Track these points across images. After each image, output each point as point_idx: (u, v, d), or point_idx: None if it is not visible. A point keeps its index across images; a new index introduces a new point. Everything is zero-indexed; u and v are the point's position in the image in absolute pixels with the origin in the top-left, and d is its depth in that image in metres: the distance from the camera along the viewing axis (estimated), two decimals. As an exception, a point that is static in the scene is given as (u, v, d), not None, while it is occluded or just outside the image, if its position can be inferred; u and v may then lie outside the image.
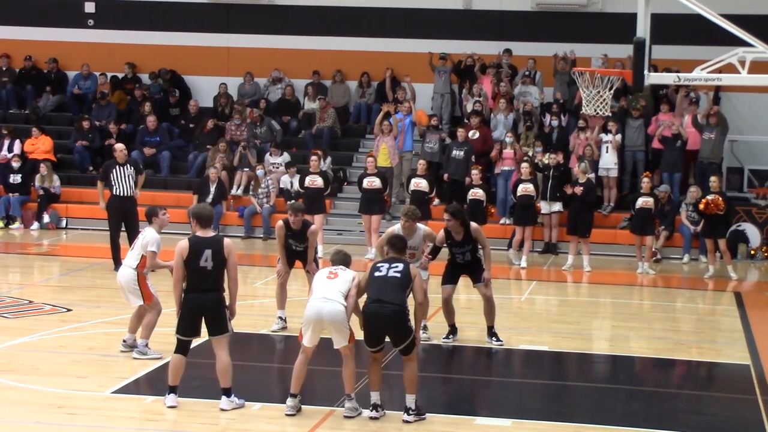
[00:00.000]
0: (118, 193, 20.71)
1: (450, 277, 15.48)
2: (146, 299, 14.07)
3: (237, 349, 13.26)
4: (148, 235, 14.15)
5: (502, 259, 23.37)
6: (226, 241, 12.07)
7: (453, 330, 15.58)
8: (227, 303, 12.07)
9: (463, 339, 15.64)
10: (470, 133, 26.16)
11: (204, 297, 11.90)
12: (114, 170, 20.73)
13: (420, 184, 23.29)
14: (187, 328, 12.03)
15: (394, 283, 11.77)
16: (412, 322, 11.86)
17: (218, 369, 12.04)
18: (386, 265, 11.98)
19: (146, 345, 14.06)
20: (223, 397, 12.02)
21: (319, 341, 11.91)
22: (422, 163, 24.00)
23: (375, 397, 11.81)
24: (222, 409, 11.94)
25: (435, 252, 15.20)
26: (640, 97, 26.10)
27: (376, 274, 11.91)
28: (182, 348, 12.08)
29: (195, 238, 12.01)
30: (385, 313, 11.62)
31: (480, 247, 15.29)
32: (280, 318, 15.93)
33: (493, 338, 15.48)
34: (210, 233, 12.07)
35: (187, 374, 12.20)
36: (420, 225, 15.01)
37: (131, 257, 14.21)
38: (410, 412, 11.69)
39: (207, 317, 11.97)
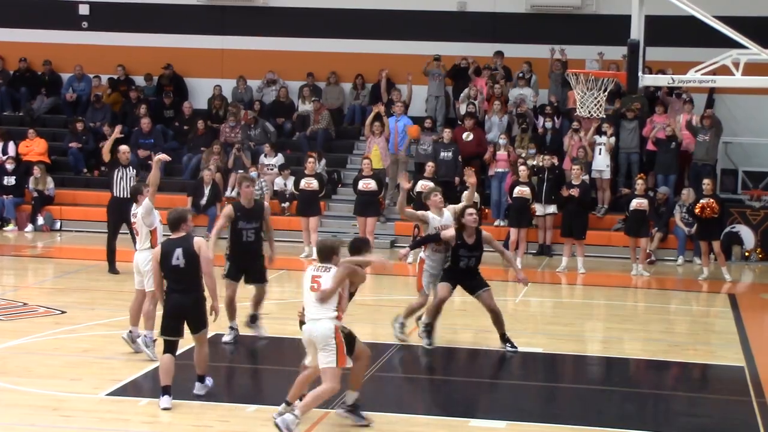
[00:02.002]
0: (118, 195, 20.58)
1: (450, 278, 15.00)
2: None
3: (230, 351, 13.29)
4: (139, 210, 14.33)
5: (496, 261, 23.34)
6: (196, 238, 12.31)
7: (430, 329, 15.11)
8: (208, 303, 12.30)
9: (457, 341, 15.64)
10: (464, 135, 26.17)
11: (183, 298, 12.14)
12: (116, 172, 20.60)
13: (427, 186, 23.29)
14: (169, 328, 12.22)
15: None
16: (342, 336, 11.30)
17: (196, 358, 12.37)
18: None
19: (153, 339, 13.98)
20: (197, 383, 12.36)
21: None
22: (431, 165, 24.05)
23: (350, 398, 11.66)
24: (196, 394, 12.25)
25: (428, 240, 14.88)
26: (635, 99, 26.11)
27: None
28: (169, 348, 12.21)
29: (166, 241, 12.45)
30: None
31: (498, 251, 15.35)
32: (231, 328, 15.27)
33: (507, 344, 15.20)
34: (181, 234, 12.29)
35: (181, 377, 12.20)
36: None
37: (140, 241, 14.35)
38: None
39: (188, 319, 12.21)
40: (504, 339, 15.25)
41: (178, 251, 12.09)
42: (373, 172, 24.13)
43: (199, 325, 12.24)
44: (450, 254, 14.95)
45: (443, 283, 15.05)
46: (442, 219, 14.89)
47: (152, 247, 14.10)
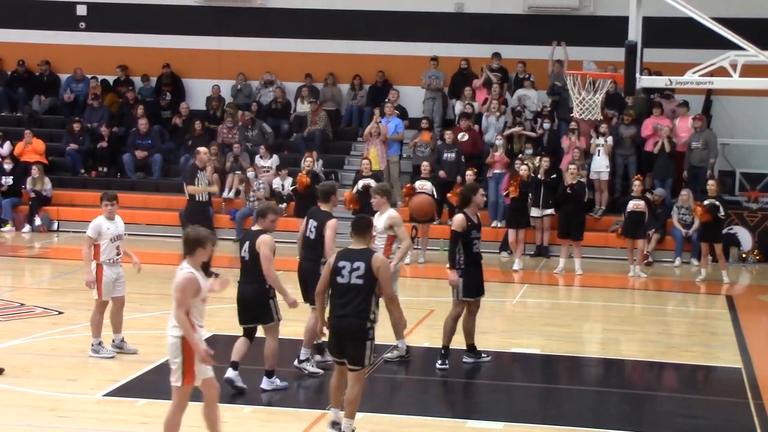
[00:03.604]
0: (199, 199, 20.24)
1: (471, 285, 14.07)
2: (99, 293, 14.25)
3: (229, 351, 13.26)
4: (92, 221, 14.47)
5: (494, 262, 23.38)
6: (262, 236, 12.54)
7: (447, 352, 14.38)
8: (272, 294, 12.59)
9: (454, 342, 15.51)
10: (459, 135, 26.13)
11: (244, 288, 12.65)
12: (198, 176, 20.16)
13: (425, 186, 23.29)
14: (239, 316, 12.80)
15: (356, 291, 10.67)
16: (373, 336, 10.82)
17: (265, 352, 12.70)
18: (348, 266, 10.72)
19: (100, 343, 14.19)
20: (264, 378, 12.66)
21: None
22: (426, 165, 24.00)
23: (335, 414, 11.13)
24: (262, 389, 12.55)
25: (454, 244, 13.85)
26: (629, 109, 26.10)
27: (339, 279, 10.72)
28: (246, 333, 12.85)
29: (245, 231, 13.27)
30: (345, 327, 10.68)
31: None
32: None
33: (483, 354, 14.68)
34: (257, 227, 12.75)
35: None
36: (390, 209, 14.29)
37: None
38: None
39: (250, 308, 12.63)
40: (472, 350, 14.65)
41: (247, 244, 12.60)
42: (372, 172, 24.08)
43: (263, 317, 12.61)
44: (462, 245, 13.92)
45: (465, 299, 14.16)
46: (380, 218, 14.14)
47: (95, 258, 14.26)
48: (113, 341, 14.43)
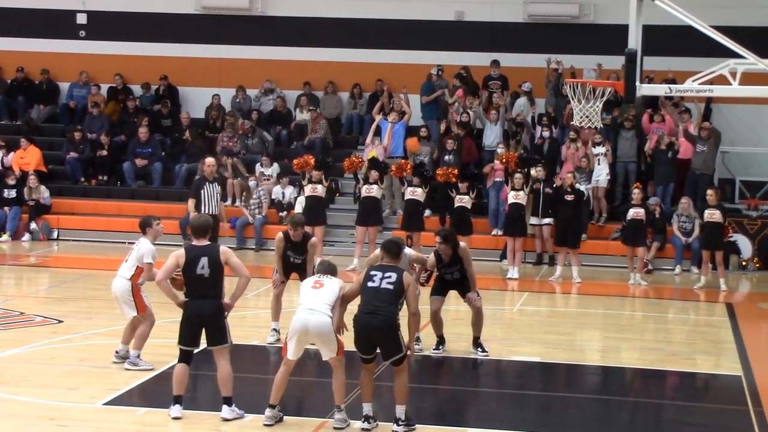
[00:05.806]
0: (205, 212, 19.48)
1: (439, 290, 15.45)
2: (140, 310, 14.04)
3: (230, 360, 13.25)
4: (142, 246, 14.10)
5: (494, 270, 23.36)
6: (222, 248, 12.17)
7: (441, 340, 15.57)
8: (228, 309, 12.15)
9: (453, 350, 15.62)
10: (448, 143, 25.91)
11: (202, 304, 11.92)
12: (204, 188, 19.74)
13: (416, 192, 23.21)
14: (187, 337, 12.02)
15: (385, 294, 11.62)
16: (403, 334, 11.72)
17: (219, 378, 12.02)
18: (379, 275, 11.78)
19: (138, 356, 14.04)
20: (224, 407, 11.99)
21: (312, 352, 11.89)
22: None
23: (367, 408, 11.75)
24: (224, 419, 11.91)
25: (429, 277, 15.30)
26: (630, 108, 26.08)
27: (369, 284, 11.72)
28: (185, 357, 12.07)
29: (191, 247, 12.18)
30: (375, 324, 11.51)
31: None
32: (275, 330, 15.83)
33: (479, 349, 15.47)
34: (205, 242, 12.16)
35: (169, 386, 12.14)
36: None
37: (126, 268, 14.15)
38: (400, 422, 11.63)
39: (206, 326, 11.97)
40: (476, 344, 15.54)
41: (204, 260, 11.92)
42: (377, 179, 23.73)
43: (218, 337, 12.00)
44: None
45: (434, 296, 15.46)
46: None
47: (132, 279, 14.01)
48: (117, 352, 14.40)
